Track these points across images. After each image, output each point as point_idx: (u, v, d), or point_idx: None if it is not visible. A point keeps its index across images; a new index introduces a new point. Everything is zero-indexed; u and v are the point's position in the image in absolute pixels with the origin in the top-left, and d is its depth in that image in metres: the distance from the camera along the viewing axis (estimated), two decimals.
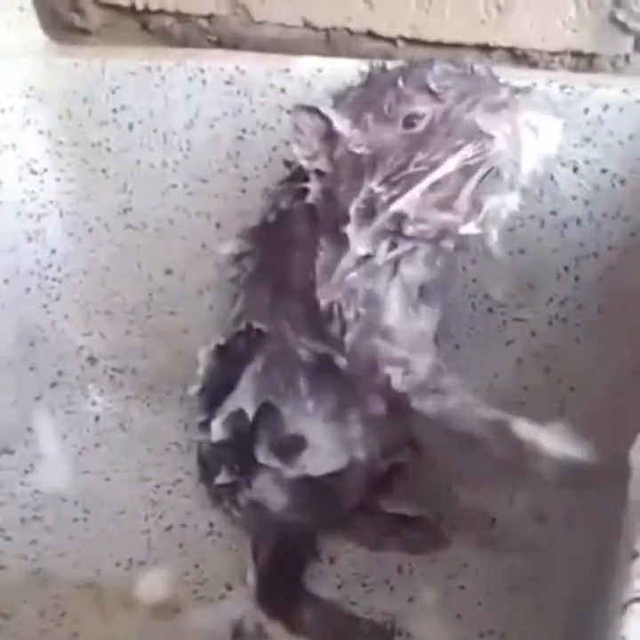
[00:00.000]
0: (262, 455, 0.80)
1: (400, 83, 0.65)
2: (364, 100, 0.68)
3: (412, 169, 0.64)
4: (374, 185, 0.65)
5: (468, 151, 0.62)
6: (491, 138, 0.62)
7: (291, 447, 0.79)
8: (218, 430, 0.82)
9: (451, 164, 0.62)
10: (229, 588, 0.86)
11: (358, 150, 0.66)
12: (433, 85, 0.63)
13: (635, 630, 0.41)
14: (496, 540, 0.86)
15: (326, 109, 0.67)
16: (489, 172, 0.62)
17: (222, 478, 0.85)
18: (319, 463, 0.79)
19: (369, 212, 0.66)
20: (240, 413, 0.80)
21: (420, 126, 0.64)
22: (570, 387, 0.84)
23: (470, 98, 0.63)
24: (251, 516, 0.86)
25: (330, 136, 0.67)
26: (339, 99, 0.70)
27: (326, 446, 0.78)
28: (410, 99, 0.64)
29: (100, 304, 1.07)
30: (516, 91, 0.64)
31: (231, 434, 0.82)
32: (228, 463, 0.84)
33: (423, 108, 0.63)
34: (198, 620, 0.83)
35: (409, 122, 0.64)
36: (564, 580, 0.79)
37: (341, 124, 0.67)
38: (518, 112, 0.63)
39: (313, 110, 0.67)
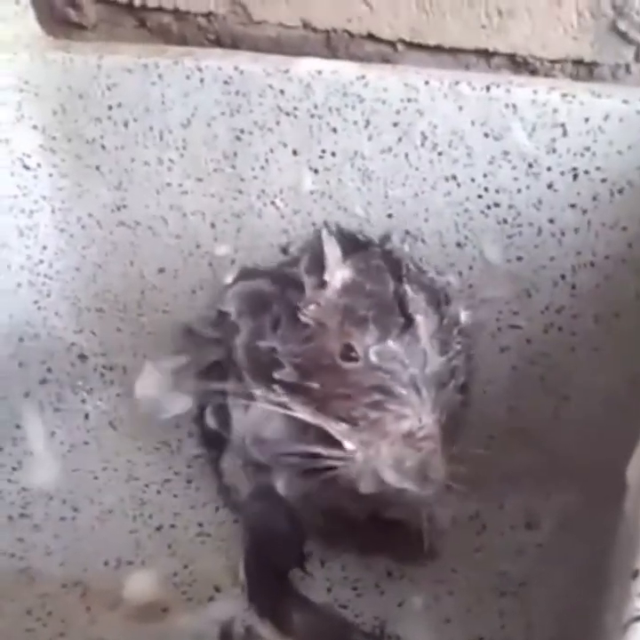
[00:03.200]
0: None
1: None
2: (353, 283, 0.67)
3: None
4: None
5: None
6: None
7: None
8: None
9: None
10: (218, 589, 0.86)
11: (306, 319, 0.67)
12: None
13: None
14: (486, 546, 0.86)
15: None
16: None
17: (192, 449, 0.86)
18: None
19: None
20: None
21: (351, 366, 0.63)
22: (564, 395, 0.85)
23: None
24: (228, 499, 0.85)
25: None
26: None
27: None
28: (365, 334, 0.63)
29: (92, 301, 1.06)
30: None
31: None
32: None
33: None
34: (187, 620, 0.83)
35: (346, 353, 0.63)
36: (555, 586, 0.79)
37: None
38: None
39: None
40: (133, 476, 1.00)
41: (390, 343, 0.61)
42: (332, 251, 0.67)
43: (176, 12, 0.94)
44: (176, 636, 0.82)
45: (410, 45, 0.85)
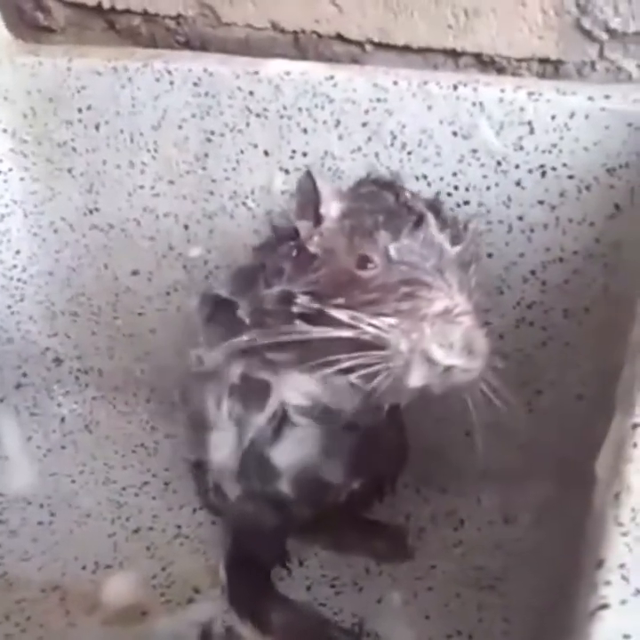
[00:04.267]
0: None
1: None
2: (352, 207, 0.67)
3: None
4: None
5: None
6: None
7: None
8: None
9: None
10: (197, 591, 0.86)
11: (312, 248, 0.66)
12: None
13: (602, 637, 0.41)
14: (464, 541, 0.87)
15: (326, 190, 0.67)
16: None
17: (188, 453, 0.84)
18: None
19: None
20: None
21: (370, 273, 0.63)
22: (536, 390, 0.85)
23: None
24: (217, 501, 0.83)
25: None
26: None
27: None
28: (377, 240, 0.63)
29: (66, 305, 1.06)
30: None
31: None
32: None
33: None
34: (166, 623, 0.84)
35: (362, 264, 0.63)
36: (532, 580, 0.80)
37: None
38: None
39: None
40: (111, 479, 1.00)
41: (405, 240, 0.62)
42: (324, 185, 0.67)
43: (145, 15, 0.94)
44: (156, 638, 0.82)
45: (378, 46, 0.86)
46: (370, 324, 0.60)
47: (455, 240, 0.64)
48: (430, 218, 0.63)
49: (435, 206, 0.66)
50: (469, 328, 0.60)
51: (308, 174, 0.67)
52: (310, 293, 0.65)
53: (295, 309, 0.65)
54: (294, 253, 0.67)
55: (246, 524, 0.81)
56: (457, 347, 0.59)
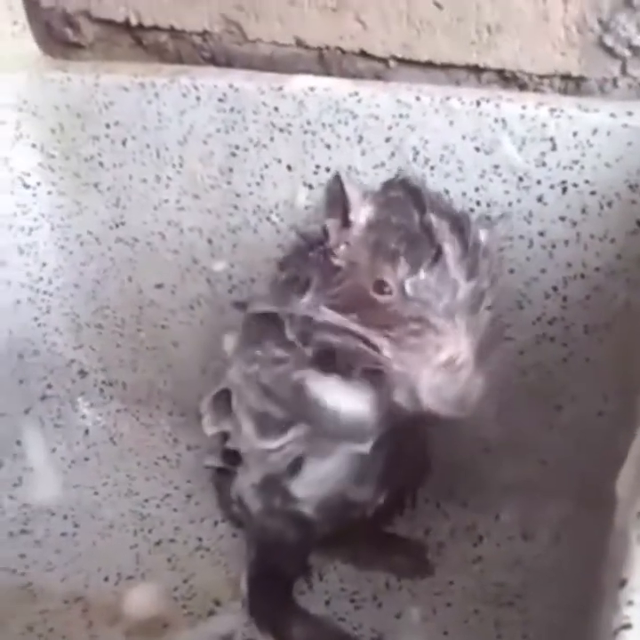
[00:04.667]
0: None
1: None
2: (379, 217, 0.67)
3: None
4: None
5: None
6: None
7: None
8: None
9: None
10: (218, 603, 0.86)
11: (337, 261, 0.67)
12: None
13: None
14: (483, 557, 0.87)
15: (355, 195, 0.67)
16: None
17: (211, 460, 0.85)
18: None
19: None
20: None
21: (385, 298, 0.63)
22: (557, 405, 0.85)
23: None
24: (241, 514, 0.85)
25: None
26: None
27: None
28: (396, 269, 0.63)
29: (91, 317, 1.07)
30: None
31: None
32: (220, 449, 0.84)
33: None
34: (187, 635, 0.84)
35: (379, 288, 0.64)
36: (551, 597, 0.79)
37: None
38: None
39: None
40: (133, 490, 1.01)
41: (422, 274, 0.62)
42: (353, 190, 0.67)
43: (172, 31, 0.95)
44: None
45: (401, 62, 0.86)
46: (374, 348, 0.62)
47: (472, 271, 0.64)
48: (450, 249, 0.63)
49: (460, 224, 0.66)
50: (467, 383, 0.61)
51: (337, 178, 0.67)
52: (333, 306, 0.66)
53: (319, 319, 0.66)
54: (322, 259, 0.68)
55: (269, 538, 0.81)
56: (449, 401, 0.61)
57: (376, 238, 0.65)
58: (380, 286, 0.63)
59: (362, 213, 0.67)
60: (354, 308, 0.64)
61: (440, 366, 0.61)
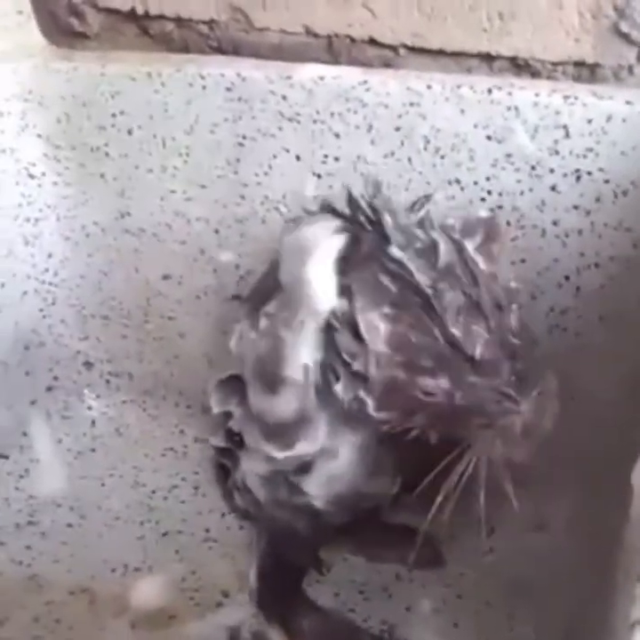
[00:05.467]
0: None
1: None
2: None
3: None
4: None
5: None
6: None
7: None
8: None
9: None
10: (226, 594, 0.86)
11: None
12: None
13: None
14: (495, 549, 0.86)
15: None
16: None
17: (217, 440, 0.82)
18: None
19: None
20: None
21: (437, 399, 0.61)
22: (570, 396, 0.84)
23: None
24: (248, 503, 0.82)
25: None
26: None
27: None
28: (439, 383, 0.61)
29: (97, 309, 1.06)
30: None
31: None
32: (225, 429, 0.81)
33: None
34: (194, 627, 0.83)
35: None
36: (564, 589, 0.79)
37: None
38: None
39: None
40: (140, 482, 1.00)
41: (467, 378, 0.60)
42: (362, 317, 0.62)
43: (178, 20, 0.95)
44: None
45: (411, 50, 0.85)
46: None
47: (507, 348, 0.62)
48: (484, 351, 0.61)
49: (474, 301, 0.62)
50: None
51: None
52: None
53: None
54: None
55: (278, 529, 0.80)
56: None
57: (401, 360, 0.62)
58: (426, 394, 0.61)
59: (379, 340, 0.62)
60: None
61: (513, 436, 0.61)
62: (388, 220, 0.64)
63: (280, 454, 0.72)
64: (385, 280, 0.61)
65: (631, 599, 0.44)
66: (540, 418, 0.63)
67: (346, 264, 0.63)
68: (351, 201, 0.67)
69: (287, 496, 0.76)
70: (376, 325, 0.61)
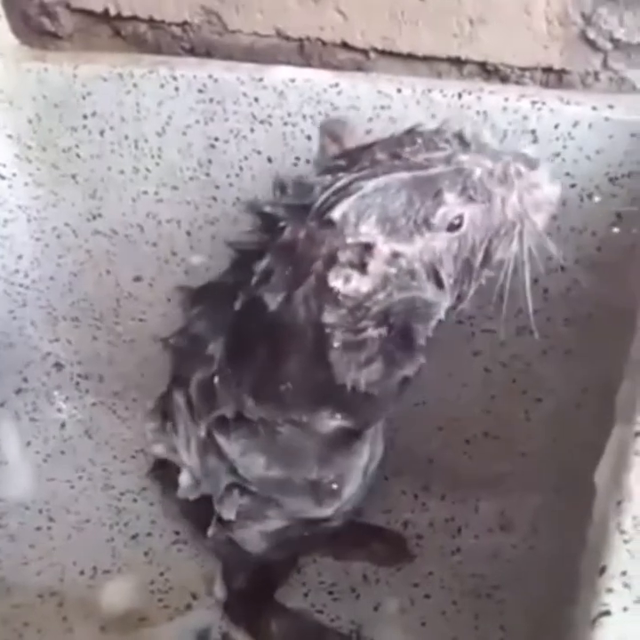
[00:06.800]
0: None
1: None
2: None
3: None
4: None
5: None
6: None
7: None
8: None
9: None
10: (195, 597, 0.86)
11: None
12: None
13: None
14: (461, 548, 0.87)
15: None
16: None
17: (212, 530, 0.77)
18: None
19: None
20: None
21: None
22: (536, 397, 0.85)
23: None
24: (226, 549, 0.81)
25: None
26: None
27: None
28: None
29: (68, 310, 1.06)
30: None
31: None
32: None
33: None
34: (164, 629, 0.83)
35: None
36: (529, 588, 0.80)
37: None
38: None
39: None
40: (109, 484, 1.00)
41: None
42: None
43: (151, 22, 0.94)
44: None
45: (382, 53, 0.86)
46: None
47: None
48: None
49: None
50: None
51: None
52: None
53: None
54: None
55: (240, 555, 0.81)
56: None
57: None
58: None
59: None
60: None
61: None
62: None
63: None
64: None
65: (593, 595, 0.45)
66: None
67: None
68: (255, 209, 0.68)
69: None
70: None
